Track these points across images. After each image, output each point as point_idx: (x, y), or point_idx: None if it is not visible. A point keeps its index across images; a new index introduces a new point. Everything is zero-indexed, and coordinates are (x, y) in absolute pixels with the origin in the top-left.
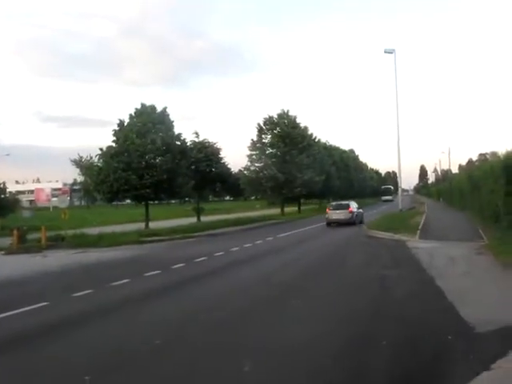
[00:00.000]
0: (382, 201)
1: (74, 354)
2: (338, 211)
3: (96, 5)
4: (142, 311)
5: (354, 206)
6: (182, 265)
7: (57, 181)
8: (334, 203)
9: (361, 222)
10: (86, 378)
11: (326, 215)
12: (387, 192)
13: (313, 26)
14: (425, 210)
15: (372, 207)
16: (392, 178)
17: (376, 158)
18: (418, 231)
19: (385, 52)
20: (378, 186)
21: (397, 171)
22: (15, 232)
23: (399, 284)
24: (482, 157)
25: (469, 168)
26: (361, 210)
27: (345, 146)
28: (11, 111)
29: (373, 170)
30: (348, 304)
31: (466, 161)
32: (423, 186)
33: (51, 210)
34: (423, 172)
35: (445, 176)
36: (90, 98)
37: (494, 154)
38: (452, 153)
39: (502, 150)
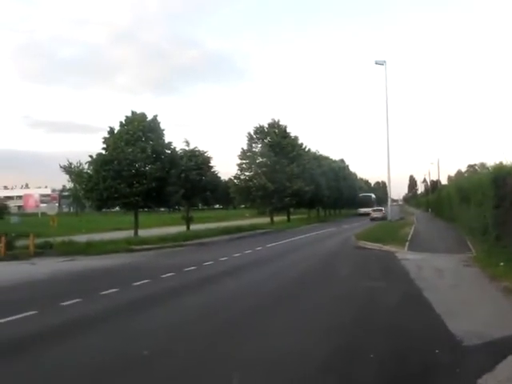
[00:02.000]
0: (358, 214)
1: (61, 364)
2: (377, 212)
3: (88, 11)
4: (131, 321)
5: (383, 209)
6: (171, 274)
7: (46, 187)
8: (375, 208)
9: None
10: None
11: (370, 215)
12: (366, 202)
13: (305, 36)
14: (414, 220)
15: (361, 217)
16: (381, 187)
17: (366, 168)
18: (407, 242)
19: (376, 63)
20: None
21: (386, 181)
22: (3, 239)
23: (387, 296)
24: (471, 168)
25: (458, 179)
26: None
27: (335, 155)
28: None
29: (362, 179)
30: (336, 316)
31: (455, 172)
32: (412, 197)
33: (40, 216)
34: (412, 182)
35: (434, 187)
36: (80, 104)
37: (482, 165)
38: (441, 163)
39: (490, 162)
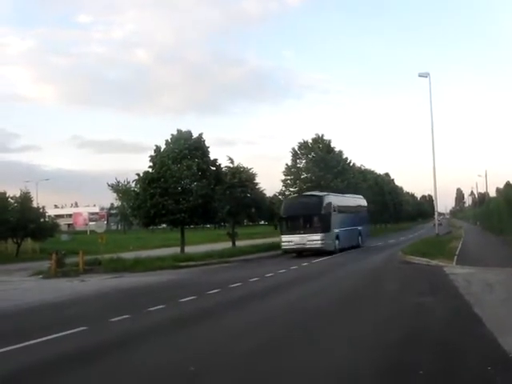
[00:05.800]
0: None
1: (107, 379)
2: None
3: (134, 33)
4: (178, 337)
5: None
6: (217, 290)
7: (94, 205)
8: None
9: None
10: None
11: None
12: (304, 216)
13: (346, 50)
14: (462, 234)
15: (408, 232)
16: (428, 201)
17: (411, 182)
18: (456, 257)
19: (419, 76)
20: (413, 210)
21: (433, 194)
22: (53, 256)
23: (436, 311)
24: None
25: (506, 191)
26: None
27: (380, 169)
28: (49, 137)
29: (408, 193)
30: (384, 330)
31: (504, 184)
32: (460, 210)
33: (88, 233)
34: (460, 195)
35: (482, 199)
36: (127, 124)
37: None
38: (489, 175)
39: None
